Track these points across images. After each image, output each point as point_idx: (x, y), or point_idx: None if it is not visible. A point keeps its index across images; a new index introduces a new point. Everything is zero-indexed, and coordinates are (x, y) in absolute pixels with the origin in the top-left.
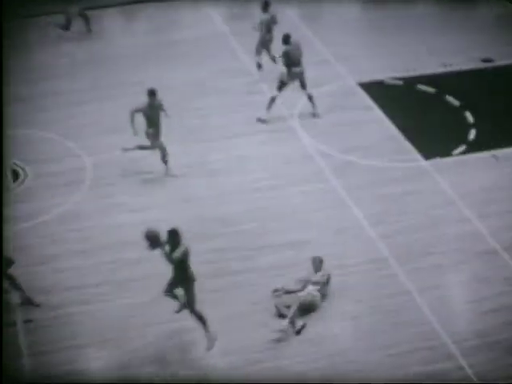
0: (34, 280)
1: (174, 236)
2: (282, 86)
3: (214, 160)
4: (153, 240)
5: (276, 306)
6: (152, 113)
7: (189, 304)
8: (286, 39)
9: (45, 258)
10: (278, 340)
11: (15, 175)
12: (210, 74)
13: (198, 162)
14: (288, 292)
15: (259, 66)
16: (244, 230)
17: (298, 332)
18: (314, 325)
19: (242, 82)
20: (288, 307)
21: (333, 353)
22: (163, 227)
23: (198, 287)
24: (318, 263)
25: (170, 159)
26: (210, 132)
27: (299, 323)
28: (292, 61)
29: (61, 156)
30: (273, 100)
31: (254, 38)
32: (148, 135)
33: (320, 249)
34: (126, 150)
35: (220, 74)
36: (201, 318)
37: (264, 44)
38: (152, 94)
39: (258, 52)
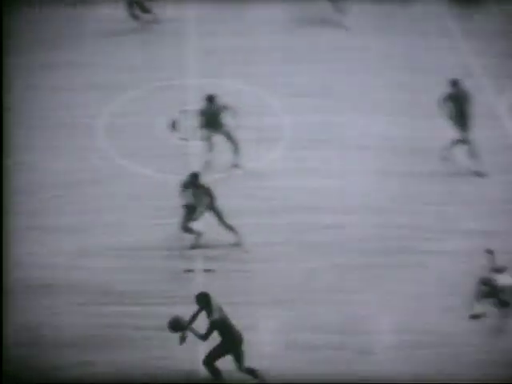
0: (221, 234)
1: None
2: None
3: (417, 137)
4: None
5: (480, 280)
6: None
7: (239, 362)
8: None
9: (232, 212)
10: (454, 326)
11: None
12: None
13: (402, 137)
14: (494, 270)
15: None
16: (436, 212)
17: (473, 317)
18: (493, 316)
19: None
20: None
21: (506, 348)
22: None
23: (383, 261)
24: None
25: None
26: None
27: (479, 308)
28: None
29: (261, 112)
30: None
31: None
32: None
33: (509, 242)
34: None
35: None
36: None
37: None
38: (455, 83)
39: None
